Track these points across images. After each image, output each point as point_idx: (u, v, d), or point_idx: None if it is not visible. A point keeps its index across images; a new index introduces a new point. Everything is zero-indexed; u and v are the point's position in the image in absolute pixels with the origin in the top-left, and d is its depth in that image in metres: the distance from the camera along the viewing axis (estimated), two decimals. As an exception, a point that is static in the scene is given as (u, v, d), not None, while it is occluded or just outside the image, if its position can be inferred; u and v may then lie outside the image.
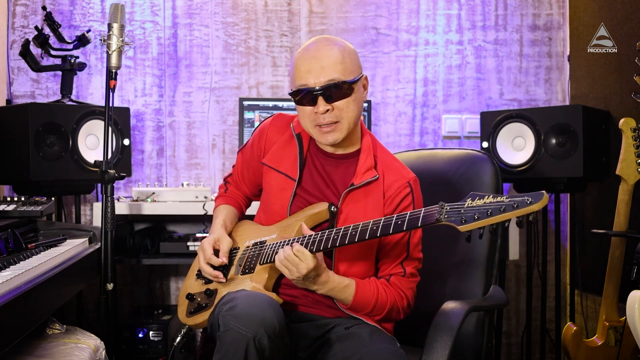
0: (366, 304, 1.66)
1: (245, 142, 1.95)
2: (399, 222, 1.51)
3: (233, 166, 2.01)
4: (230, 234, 1.86)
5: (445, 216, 1.43)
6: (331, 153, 1.77)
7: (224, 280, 1.74)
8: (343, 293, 1.65)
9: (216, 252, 1.77)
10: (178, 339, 1.87)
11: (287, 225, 1.73)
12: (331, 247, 1.59)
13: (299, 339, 1.67)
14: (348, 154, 1.77)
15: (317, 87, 1.63)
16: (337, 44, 1.68)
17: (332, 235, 1.59)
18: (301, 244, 1.61)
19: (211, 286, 1.76)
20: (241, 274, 1.72)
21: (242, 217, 1.99)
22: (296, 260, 1.58)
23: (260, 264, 1.70)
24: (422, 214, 1.48)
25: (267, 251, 1.71)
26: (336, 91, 1.64)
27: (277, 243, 1.69)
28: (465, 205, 1.42)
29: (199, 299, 1.76)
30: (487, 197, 1.41)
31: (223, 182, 2.04)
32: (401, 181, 1.72)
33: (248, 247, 1.78)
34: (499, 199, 1.39)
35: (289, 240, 1.66)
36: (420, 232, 1.75)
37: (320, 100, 1.64)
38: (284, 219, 1.76)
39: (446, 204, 1.45)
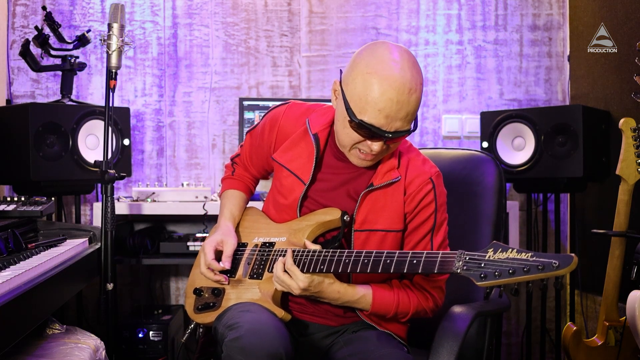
0: (386, 311, 1.62)
1: (255, 124, 1.86)
2: (414, 261, 1.43)
3: (241, 146, 1.93)
4: (237, 226, 1.82)
5: (464, 268, 1.34)
6: None
7: (227, 283, 1.71)
8: (359, 304, 1.60)
9: (220, 253, 1.73)
10: (186, 335, 1.85)
11: (297, 229, 1.67)
12: (342, 271, 1.51)
13: (310, 352, 1.66)
14: None
15: (389, 135, 1.49)
16: (419, 83, 1.49)
17: (344, 259, 1.51)
18: (304, 259, 1.55)
19: (219, 285, 1.73)
20: (249, 278, 1.69)
21: (251, 196, 1.95)
22: (287, 281, 1.54)
23: (268, 271, 1.66)
24: (439, 259, 1.40)
25: (275, 258, 1.66)
26: (400, 138, 1.53)
27: (285, 251, 1.64)
28: (486, 258, 1.32)
29: (206, 296, 1.73)
30: (510, 250, 1.31)
31: (230, 161, 1.96)
32: (423, 177, 1.64)
33: (257, 245, 1.74)
34: (523, 255, 1.28)
35: (300, 251, 1.60)
36: (445, 229, 1.68)
37: (380, 141, 1.52)
38: (294, 220, 1.70)
39: (465, 253, 1.36)
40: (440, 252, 1.42)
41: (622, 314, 2.28)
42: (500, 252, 1.32)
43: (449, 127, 3.30)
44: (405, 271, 1.44)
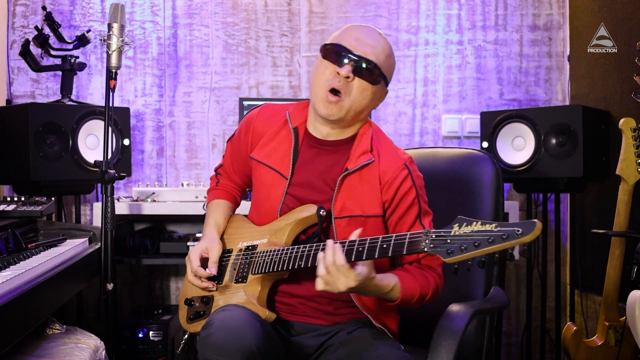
0: (412, 296, 1.58)
1: (233, 132, 1.90)
2: (384, 245, 1.44)
3: (223, 156, 1.96)
4: (223, 233, 1.84)
5: (431, 245, 1.36)
6: (325, 140, 1.71)
7: (215, 289, 1.72)
8: (390, 294, 1.57)
9: (206, 260, 1.74)
10: (181, 346, 1.86)
11: (277, 230, 1.69)
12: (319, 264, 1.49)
13: (301, 351, 1.66)
14: (343, 140, 1.71)
15: (357, 56, 1.60)
16: (387, 41, 1.70)
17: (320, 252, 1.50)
18: (283, 256, 1.56)
19: (207, 293, 1.74)
20: (235, 282, 1.70)
21: (238, 206, 1.96)
22: (336, 275, 1.45)
23: (252, 273, 1.67)
24: (407, 240, 1.41)
25: (258, 260, 1.67)
26: (366, 72, 1.61)
27: (267, 251, 1.66)
28: (452, 233, 1.33)
29: (197, 305, 1.74)
30: (475, 223, 1.32)
31: (214, 173, 1.99)
32: (397, 164, 1.66)
33: (241, 250, 1.75)
34: (487, 227, 1.30)
35: (279, 250, 1.62)
36: (430, 213, 1.69)
37: (349, 66, 1.60)
38: (274, 220, 1.71)
39: (432, 231, 1.37)
40: (408, 233, 1.43)
41: (622, 314, 2.28)
42: (465, 226, 1.33)
43: (449, 127, 3.30)
44: (376, 256, 1.45)
